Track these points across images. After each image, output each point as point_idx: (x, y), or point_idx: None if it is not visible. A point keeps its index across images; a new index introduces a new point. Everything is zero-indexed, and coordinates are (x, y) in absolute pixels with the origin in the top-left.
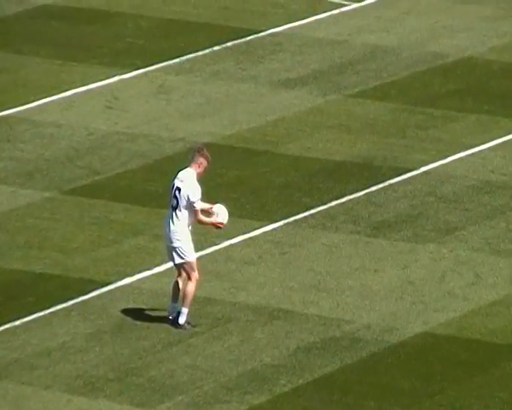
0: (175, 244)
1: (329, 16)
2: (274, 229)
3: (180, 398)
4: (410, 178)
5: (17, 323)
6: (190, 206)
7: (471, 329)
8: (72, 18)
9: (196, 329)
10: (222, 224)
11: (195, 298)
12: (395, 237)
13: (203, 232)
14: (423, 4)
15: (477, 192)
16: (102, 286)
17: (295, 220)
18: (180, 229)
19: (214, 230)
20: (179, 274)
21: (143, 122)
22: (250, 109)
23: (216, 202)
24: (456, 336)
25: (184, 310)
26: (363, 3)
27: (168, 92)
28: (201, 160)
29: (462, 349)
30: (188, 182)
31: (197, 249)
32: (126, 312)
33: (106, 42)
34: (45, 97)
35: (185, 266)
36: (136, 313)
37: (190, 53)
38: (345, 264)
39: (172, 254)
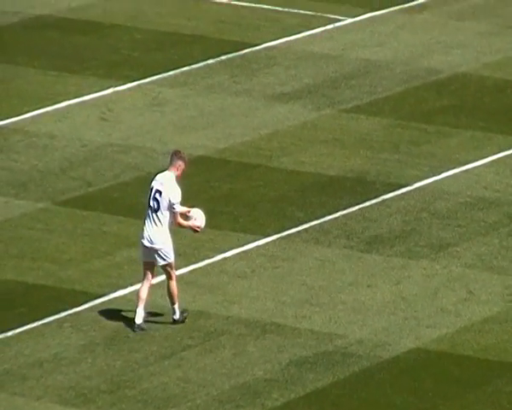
0: (158, 246)
1: (324, 31)
2: (267, 243)
3: None
4: (403, 193)
5: (9, 334)
6: (171, 208)
7: (463, 345)
8: (67, 29)
9: (189, 342)
10: (199, 227)
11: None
12: (388, 253)
13: (196, 245)
14: (418, 20)
15: (470, 209)
16: (95, 298)
17: (288, 234)
18: (162, 231)
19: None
20: (146, 278)
21: (137, 134)
22: (244, 123)
23: (193, 207)
24: (448, 352)
25: (176, 306)
26: (357, 18)
27: (162, 105)
28: (180, 162)
29: (455, 366)
30: (168, 184)
31: (190, 262)
32: (119, 324)
33: (101, 54)
34: (39, 108)
35: (167, 267)
36: (129, 326)
37: (185, 66)
38: (338, 279)
39: (154, 256)
